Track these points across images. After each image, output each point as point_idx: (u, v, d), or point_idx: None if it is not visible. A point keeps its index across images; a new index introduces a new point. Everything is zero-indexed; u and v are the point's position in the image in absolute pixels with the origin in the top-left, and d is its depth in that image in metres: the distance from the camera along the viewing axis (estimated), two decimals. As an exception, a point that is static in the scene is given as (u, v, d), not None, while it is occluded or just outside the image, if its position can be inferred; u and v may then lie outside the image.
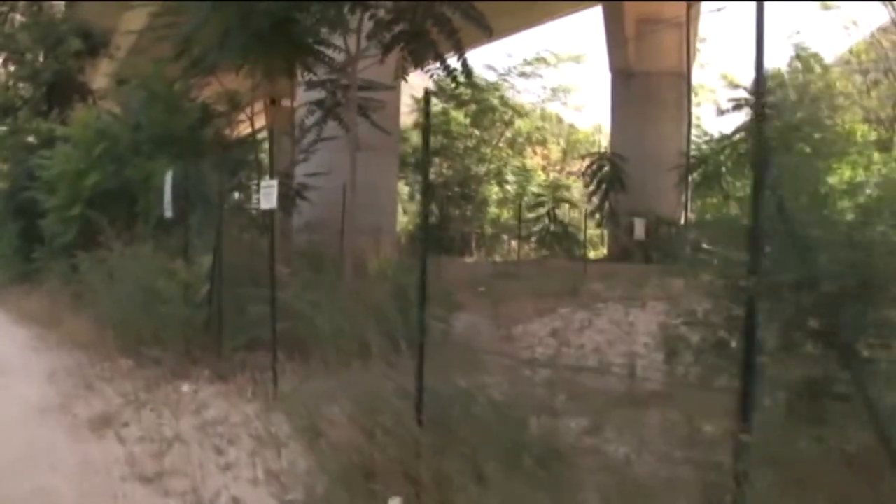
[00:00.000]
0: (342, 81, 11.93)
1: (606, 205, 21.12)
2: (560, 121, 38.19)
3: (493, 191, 33.09)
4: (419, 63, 8.86)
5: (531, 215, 35.10)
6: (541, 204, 21.10)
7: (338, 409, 4.71)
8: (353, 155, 9.00)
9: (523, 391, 4.43)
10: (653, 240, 18.18)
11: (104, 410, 5.55)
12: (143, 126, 10.47)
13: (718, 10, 25.26)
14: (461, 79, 8.82)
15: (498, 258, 26.81)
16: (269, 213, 5.49)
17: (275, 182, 5.27)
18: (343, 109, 12.18)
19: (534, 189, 33.63)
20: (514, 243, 33.64)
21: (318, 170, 11.85)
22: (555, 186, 23.16)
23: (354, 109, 9.53)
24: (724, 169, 18.33)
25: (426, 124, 3.51)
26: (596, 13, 22.92)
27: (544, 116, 36.29)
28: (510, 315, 7.69)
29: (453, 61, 8.97)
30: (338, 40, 10.82)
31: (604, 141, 40.70)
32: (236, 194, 11.37)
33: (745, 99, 17.84)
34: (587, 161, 22.34)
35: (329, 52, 10.78)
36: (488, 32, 8.64)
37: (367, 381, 5.09)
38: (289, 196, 12.82)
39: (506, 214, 33.43)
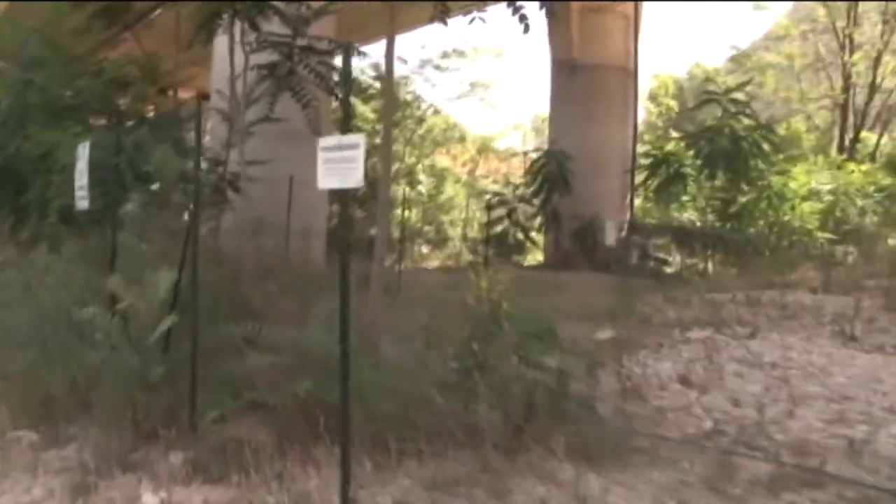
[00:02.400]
0: (299, 42, 9.58)
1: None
2: (455, 124, 36.17)
3: (404, 191, 31.14)
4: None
5: (446, 218, 33.30)
6: (503, 203, 18.95)
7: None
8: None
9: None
10: (621, 247, 16.48)
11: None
12: (38, 86, 7.58)
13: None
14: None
15: (410, 264, 24.46)
16: (342, 197, 3.08)
17: (361, 139, 2.84)
18: (297, 79, 9.86)
19: (451, 187, 31.97)
20: (424, 249, 31.58)
21: (252, 158, 9.65)
22: (514, 185, 21.03)
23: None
24: (688, 170, 16.89)
25: None
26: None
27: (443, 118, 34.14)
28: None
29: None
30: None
31: (521, 140, 39.52)
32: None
33: (718, 94, 16.49)
34: (532, 158, 20.46)
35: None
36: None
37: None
38: (221, 188, 10.38)
39: (415, 217, 31.39)
